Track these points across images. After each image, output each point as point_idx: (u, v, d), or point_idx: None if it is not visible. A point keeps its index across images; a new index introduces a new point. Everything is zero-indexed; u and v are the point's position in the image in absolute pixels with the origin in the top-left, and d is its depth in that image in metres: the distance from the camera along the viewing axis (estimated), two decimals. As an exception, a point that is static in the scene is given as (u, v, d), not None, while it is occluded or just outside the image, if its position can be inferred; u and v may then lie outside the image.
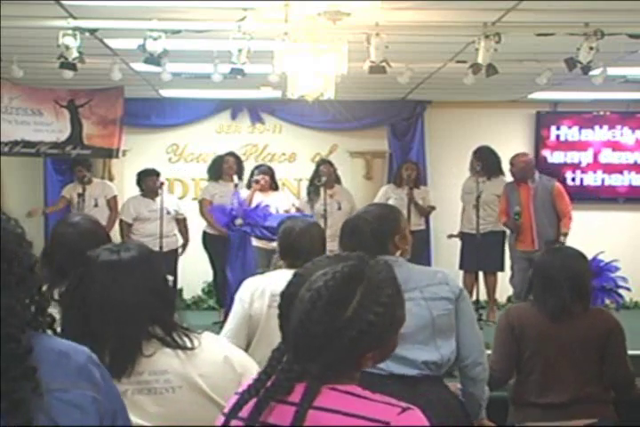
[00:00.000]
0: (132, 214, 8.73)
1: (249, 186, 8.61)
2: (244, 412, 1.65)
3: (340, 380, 1.67)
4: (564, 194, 8.35)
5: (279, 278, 3.85)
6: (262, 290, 3.85)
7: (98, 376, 1.70)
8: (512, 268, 8.55)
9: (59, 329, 1.85)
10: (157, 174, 8.84)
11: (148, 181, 8.73)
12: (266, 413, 1.64)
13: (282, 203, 8.56)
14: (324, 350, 1.63)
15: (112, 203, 9.24)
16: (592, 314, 3.75)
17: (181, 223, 8.98)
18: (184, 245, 8.90)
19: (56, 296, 3.04)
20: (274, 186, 8.74)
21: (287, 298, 1.71)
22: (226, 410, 1.69)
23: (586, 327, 3.69)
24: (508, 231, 8.67)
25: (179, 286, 8.84)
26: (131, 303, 2.25)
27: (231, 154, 9.19)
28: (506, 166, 8.85)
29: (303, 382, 1.63)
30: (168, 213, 8.60)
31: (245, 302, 3.86)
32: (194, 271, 9.35)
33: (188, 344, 2.30)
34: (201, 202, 9.02)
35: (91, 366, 1.71)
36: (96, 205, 9.03)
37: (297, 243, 3.96)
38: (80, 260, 3.08)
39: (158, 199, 8.63)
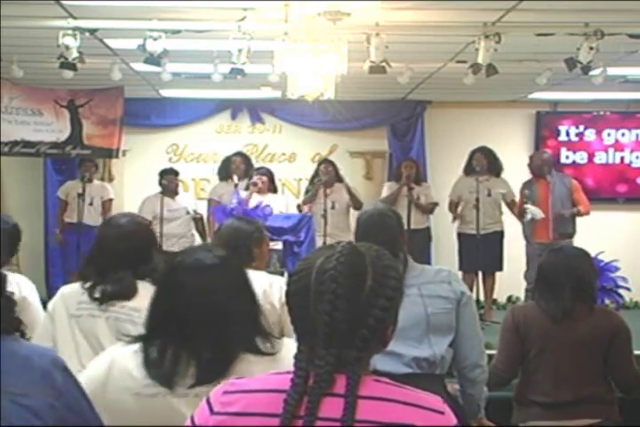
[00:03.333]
0: (150, 213, 8.59)
1: (247, 187, 8.58)
2: (301, 410, 1.60)
3: (367, 367, 1.65)
4: (581, 189, 8.70)
5: None
6: None
7: (60, 381, 1.70)
8: (527, 262, 8.58)
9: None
10: (175, 174, 8.88)
11: (163, 180, 8.77)
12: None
13: (277, 205, 8.50)
14: (357, 330, 1.61)
15: (107, 205, 9.25)
16: (597, 314, 3.73)
17: (199, 222, 9.04)
18: None
19: (97, 295, 3.08)
20: (272, 188, 8.69)
21: (300, 292, 1.66)
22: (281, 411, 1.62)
23: (590, 328, 3.67)
24: (505, 230, 8.71)
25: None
26: (228, 307, 2.20)
27: (238, 154, 9.20)
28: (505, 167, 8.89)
29: (341, 372, 1.61)
30: (187, 212, 8.68)
31: None
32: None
33: (270, 350, 2.22)
34: (209, 202, 9.08)
35: (54, 371, 1.70)
36: (91, 204, 9.04)
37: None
38: (120, 261, 3.10)
39: (177, 198, 8.66)
